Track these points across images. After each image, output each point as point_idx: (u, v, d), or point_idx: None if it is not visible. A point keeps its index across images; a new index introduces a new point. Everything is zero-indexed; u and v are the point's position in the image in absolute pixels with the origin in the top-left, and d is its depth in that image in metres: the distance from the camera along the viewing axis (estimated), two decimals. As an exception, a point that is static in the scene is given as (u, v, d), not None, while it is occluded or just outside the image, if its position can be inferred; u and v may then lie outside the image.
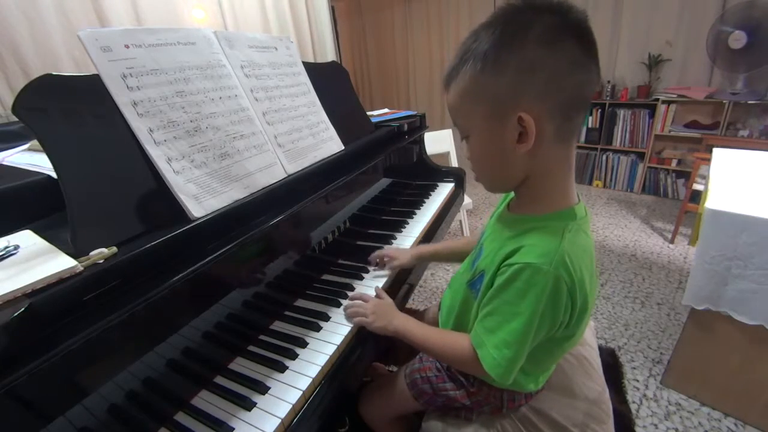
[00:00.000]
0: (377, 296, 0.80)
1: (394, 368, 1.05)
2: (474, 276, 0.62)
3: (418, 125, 1.40)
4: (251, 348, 0.70)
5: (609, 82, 2.98)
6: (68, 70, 1.44)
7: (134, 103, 0.60)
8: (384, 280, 0.88)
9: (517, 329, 0.52)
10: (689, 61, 2.71)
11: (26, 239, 0.52)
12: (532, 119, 0.47)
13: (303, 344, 0.70)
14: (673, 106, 2.71)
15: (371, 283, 0.87)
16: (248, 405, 0.58)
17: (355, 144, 1.05)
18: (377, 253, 0.93)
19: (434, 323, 0.76)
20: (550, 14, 0.46)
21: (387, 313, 0.73)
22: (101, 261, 0.49)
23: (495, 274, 0.55)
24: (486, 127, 0.52)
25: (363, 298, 0.78)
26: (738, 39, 2.35)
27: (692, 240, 2.17)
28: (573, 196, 0.56)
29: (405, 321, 0.71)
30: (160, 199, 0.60)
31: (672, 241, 2.25)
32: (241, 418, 0.57)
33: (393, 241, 1.06)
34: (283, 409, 0.57)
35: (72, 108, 0.55)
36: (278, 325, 0.76)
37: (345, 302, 0.79)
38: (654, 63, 2.77)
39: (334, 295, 0.83)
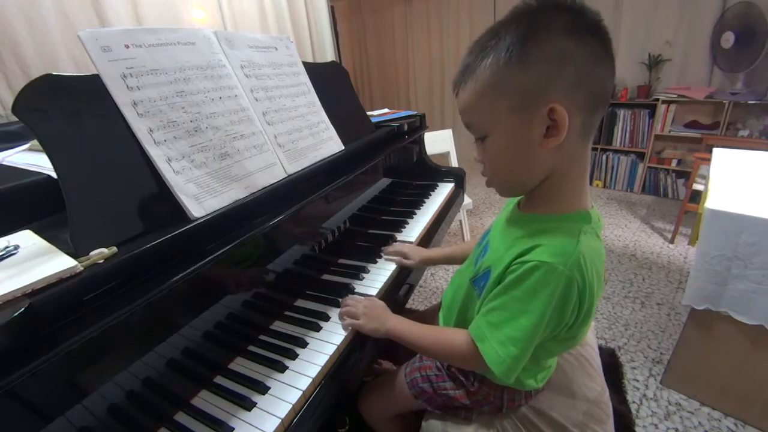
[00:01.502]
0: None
1: (394, 367, 1.05)
2: (478, 273, 0.62)
3: (418, 125, 1.40)
4: (251, 348, 0.70)
5: (609, 82, 2.98)
6: (68, 70, 1.44)
7: (134, 103, 0.60)
8: (384, 280, 0.88)
9: (525, 326, 0.51)
10: (689, 61, 2.71)
11: (26, 239, 0.52)
12: (565, 110, 0.46)
13: (303, 344, 0.70)
14: (673, 106, 2.71)
15: (371, 284, 0.87)
16: (248, 405, 0.58)
17: (355, 144, 1.05)
18: (392, 249, 0.96)
19: (435, 323, 0.75)
20: (569, 13, 0.46)
21: (379, 315, 0.72)
22: (101, 261, 0.49)
23: (504, 272, 0.54)
24: (511, 122, 0.50)
25: (355, 299, 0.78)
26: (727, 39, 2.37)
27: (692, 240, 2.17)
28: (587, 200, 0.56)
29: (398, 322, 0.70)
30: (160, 199, 0.60)
31: (672, 241, 2.25)
32: (241, 418, 0.57)
33: (393, 241, 1.06)
34: (283, 409, 0.57)
35: (72, 108, 0.55)
36: (278, 325, 0.76)
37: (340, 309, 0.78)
38: (654, 63, 2.77)
39: (335, 295, 0.83)
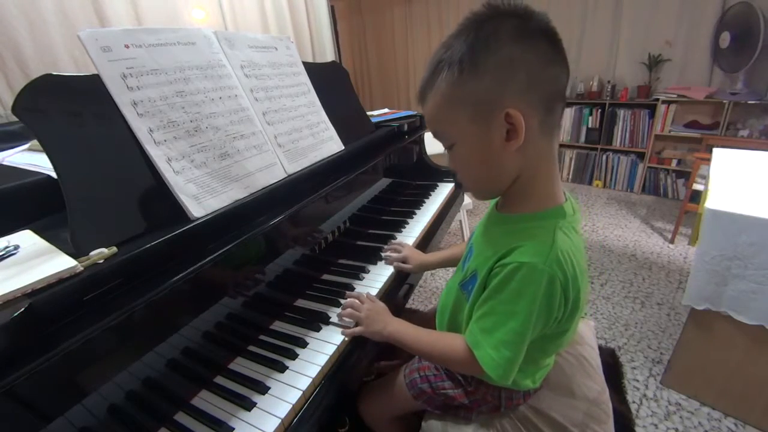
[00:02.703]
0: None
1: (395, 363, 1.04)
2: (465, 277, 0.62)
3: (418, 125, 1.40)
4: (251, 348, 0.70)
5: (609, 82, 2.98)
6: (68, 70, 1.43)
7: (134, 103, 0.60)
8: (383, 281, 0.88)
9: (514, 329, 0.52)
10: (689, 61, 2.71)
11: (26, 239, 0.52)
12: (520, 113, 0.48)
13: (303, 344, 0.70)
14: (673, 106, 2.71)
15: (371, 284, 0.87)
16: (248, 405, 0.58)
17: (355, 144, 1.05)
18: (392, 256, 0.95)
19: (434, 324, 0.76)
20: (516, 18, 0.48)
21: (381, 319, 0.72)
22: (101, 261, 0.49)
23: (488, 275, 0.55)
24: (472, 131, 0.52)
25: (360, 298, 0.77)
26: (724, 39, 2.37)
27: (692, 240, 2.17)
28: (560, 195, 0.57)
29: (398, 326, 0.70)
30: (160, 199, 0.60)
31: (672, 241, 2.25)
32: (241, 418, 0.57)
33: (393, 241, 1.06)
34: (283, 409, 0.57)
35: (72, 108, 0.55)
36: (278, 325, 0.76)
37: (340, 310, 0.77)
38: (654, 63, 2.77)
39: (334, 295, 0.83)
